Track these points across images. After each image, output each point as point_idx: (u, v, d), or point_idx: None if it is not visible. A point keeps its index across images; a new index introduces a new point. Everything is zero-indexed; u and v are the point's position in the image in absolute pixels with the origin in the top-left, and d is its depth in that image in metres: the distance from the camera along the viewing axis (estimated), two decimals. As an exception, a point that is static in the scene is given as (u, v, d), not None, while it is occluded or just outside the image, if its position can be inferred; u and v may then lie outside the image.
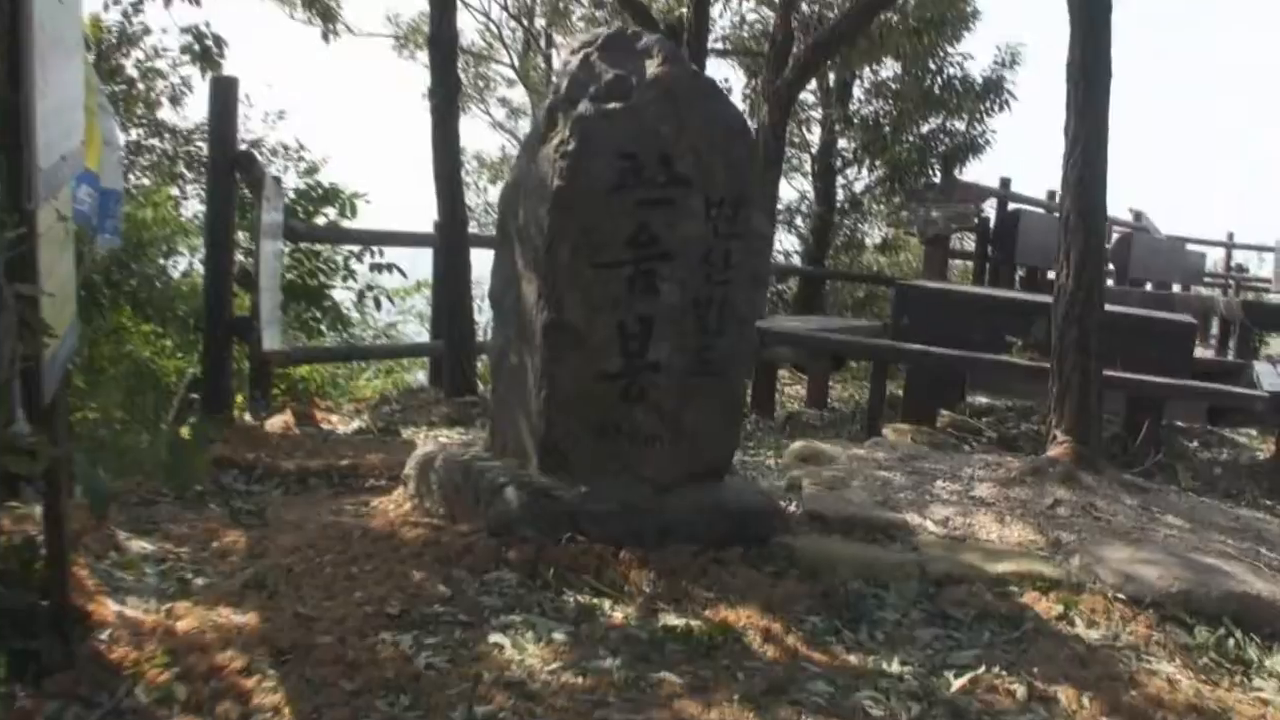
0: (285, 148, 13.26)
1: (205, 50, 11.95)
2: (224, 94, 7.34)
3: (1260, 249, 27.15)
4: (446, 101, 9.61)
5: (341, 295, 11.63)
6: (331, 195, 11.48)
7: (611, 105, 4.98)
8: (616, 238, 4.96)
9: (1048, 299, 9.65)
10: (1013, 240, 16.05)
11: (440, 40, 9.38)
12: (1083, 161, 6.38)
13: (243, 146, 13.51)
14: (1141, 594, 4.85)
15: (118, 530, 5.03)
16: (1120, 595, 4.85)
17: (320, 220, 11.42)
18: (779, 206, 21.11)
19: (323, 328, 11.39)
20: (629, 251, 4.97)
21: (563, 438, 5.05)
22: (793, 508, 5.79)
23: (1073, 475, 6.17)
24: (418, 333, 14.47)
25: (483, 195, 24.93)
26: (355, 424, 8.82)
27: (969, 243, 18.94)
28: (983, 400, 10.67)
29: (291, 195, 11.29)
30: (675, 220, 5.00)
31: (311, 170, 12.25)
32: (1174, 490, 6.97)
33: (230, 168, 7.36)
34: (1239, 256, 28.30)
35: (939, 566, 4.99)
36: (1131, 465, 7.90)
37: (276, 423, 8.49)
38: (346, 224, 11.54)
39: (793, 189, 21.72)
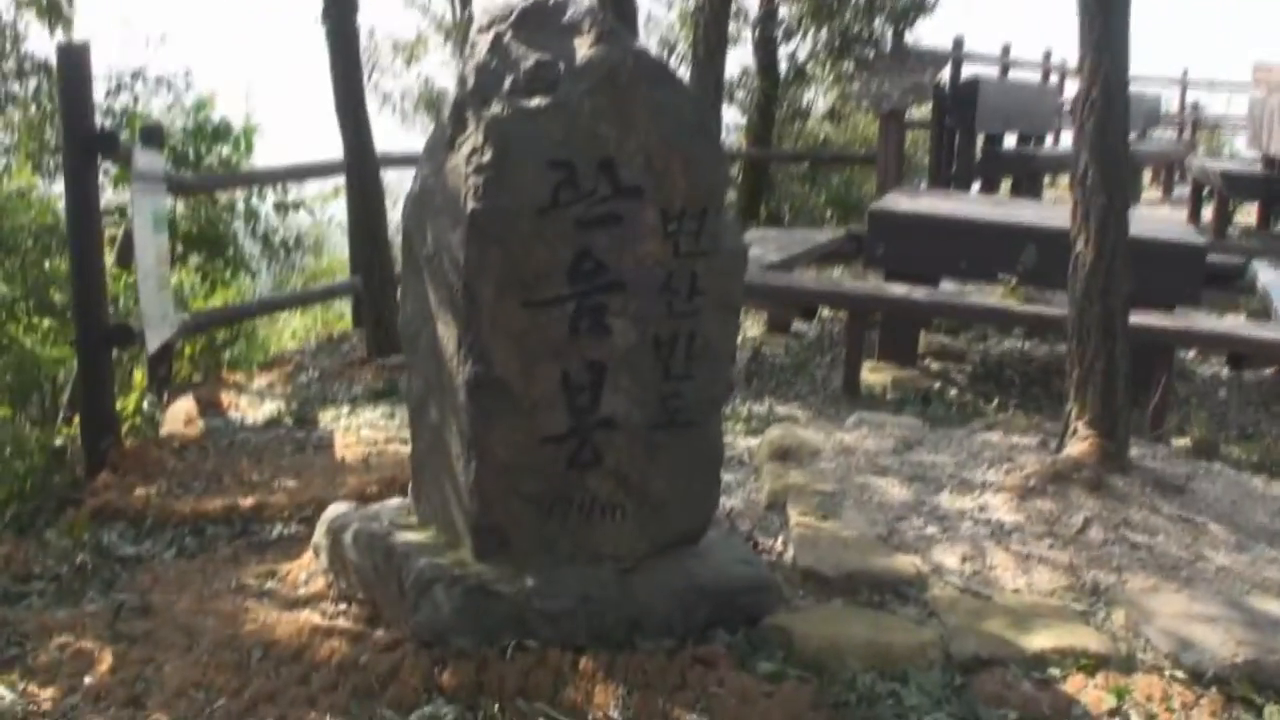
0: (166, 82, 11.95)
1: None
2: (74, 63, 6.16)
3: (1217, 85, 26.02)
4: (343, 20, 8.49)
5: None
6: (223, 131, 10.33)
7: (535, 101, 3.95)
8: (552, 268, 3.96)
9: (1038, 223, 8.75)
10: (971, 108, 15.06)
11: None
12: (1102, 103, 5.36)
13: (122, 78, 12.38)
14: (1202, 666, 4.01)
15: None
16: (1178, 672, 4.00)
17: (213, 161, 10.29)
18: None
19: (226, 276, 10.32)
20: (569, 284, 3.98)
21: (501, 517, 4.10)
22: (779, 547, 4.88)
23: (1100, 481, 5.27)
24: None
25: (399, 79, 23.46)
26: (267, 408, 7.82)
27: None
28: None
29: (178, 136, 10.15)
30: (625, 241, 4.01)
31: (201, 106, 11.03)
32: (1205, 470, 6.04)
33: (89, 151, 6.21)
34: (1194, 96, 27.21)
35: (964, 645, 4.10)
36: (1152, 428, 7.04)
37: (178, 413, 7.52)
38: (244, 164, 10.47)
39: (734, 63, 20.68)
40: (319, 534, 4.74)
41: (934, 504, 5.23)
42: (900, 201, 9.90)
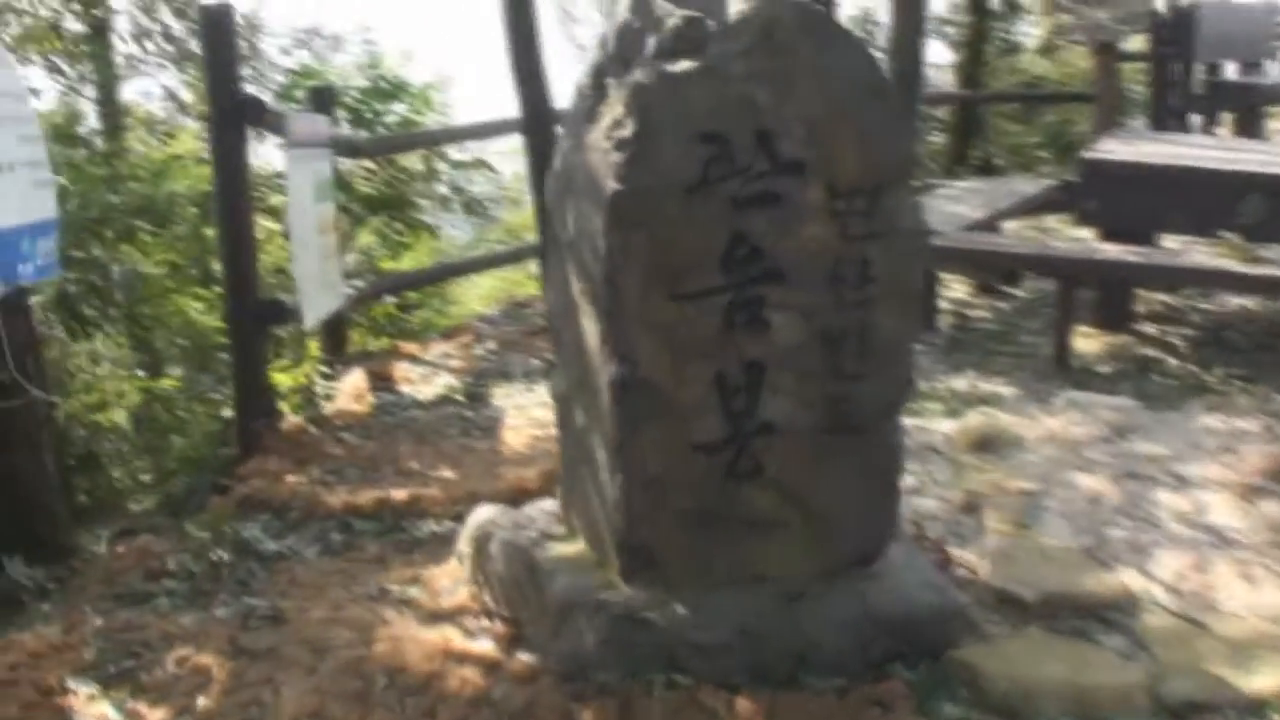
0: (340, 39, 11.70)
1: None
2: (218, 24, 5.84)
3: None
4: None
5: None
6: (399, 89, 10.02)
7: (682, 65, 3.45)
8: (704, 255, 3.48)
9: (1261, 168, 7.94)
10: (1189, 36, 13.98)
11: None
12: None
13: (298, 35, 12.19)
14: None
15: (75, 682, 3.81)
16: None
17: (392, 119, 10.00)
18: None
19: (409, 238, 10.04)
20: (724, 274, 3.49)
21: (650, 535, 3.65)
22: (972, 559, 4.34)
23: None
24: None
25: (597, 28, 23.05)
26: (440, 382, 7.50)
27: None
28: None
29: (355, 94, 9.88)
30: (786, 223, 3.50)
31: (375, 63, 10.74)
32: None
33: (236, 119, 5.90)
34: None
35: (1177, 688, 3.53)
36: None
37: (348, 387, 7.23)
38: (423, 121, 10.16)
39: (941, -3, 19.84)
40: (463, 540, 4.36)
41: (1147, 506, 4.63)
42: (1115, 148, 9.11)
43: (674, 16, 3.51)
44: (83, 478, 6.36)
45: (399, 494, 5.32)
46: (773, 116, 3.46)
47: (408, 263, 9.95)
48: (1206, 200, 7.85)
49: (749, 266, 3.50)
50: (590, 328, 3.65)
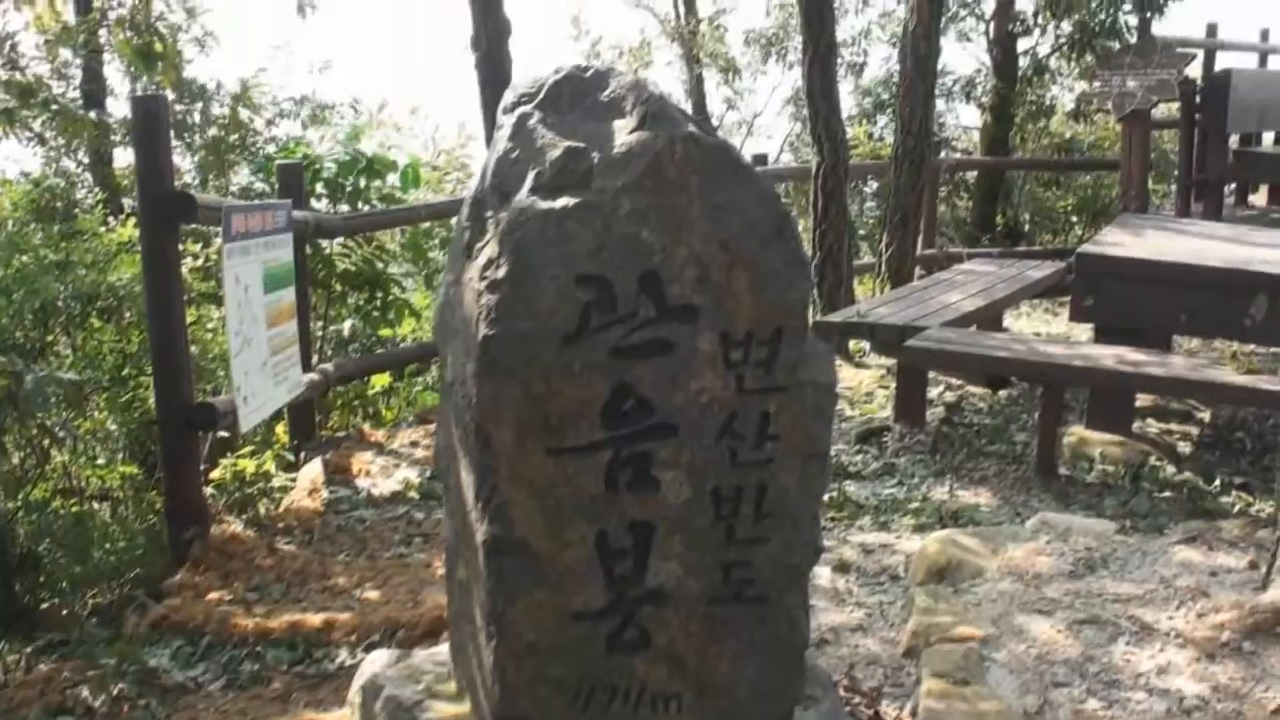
0: (326, 108, 11.48)
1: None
2: (149, 116, 5.58)
3: None
4: (493, 47, 7.87)
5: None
6: (380, 165, 9.78)
7: (563, 201, 3.14)
8: (584, 408, 3.15)
9: (1271, 267, 7.58)
10: (1222, 104, 13.67)
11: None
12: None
13: (292, 100, 11.97)
14: None
15: None
16: None
17: (373, 194, 9.77)
18: (951, 79, 19.15)
19: (390, 319, 9.77)
20: (606, 428, 3.17)
21: (528, 708, 3.33)
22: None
23: (1314, 639, 4.23)
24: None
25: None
26: (399, 476, 7.22)
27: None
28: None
29: (331, 168, 9.65)
30: (676, 374, 3.18)
31: (354, 136, 10.51)
32: None
33: (166, 214, 5.63)
34: None
35: None
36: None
37: (305, 481, 6.97)
38: (407, 196, 9.92)
39: (972, 58, 19.65)
40: (354, 689, 4.04)
41: (1105, 661, 4.26)
42: (1116, 240, 8.77)
43: (556, 147, 3.22)
44: (22, 578, 6.09)
45: (316, 619, 5.03)
46: (661, 258, 3.15)
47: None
48: (1210, 301, 7.52)
49: (635, 420, 3.18)
50: (466, 479, 3.34)
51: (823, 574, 5.25)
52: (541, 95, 3.34)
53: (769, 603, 3.36)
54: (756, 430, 3.24)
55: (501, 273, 3.12)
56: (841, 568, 5.39)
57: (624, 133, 3.23)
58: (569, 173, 3.18)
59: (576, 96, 3.35)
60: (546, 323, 3.11)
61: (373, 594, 5.36)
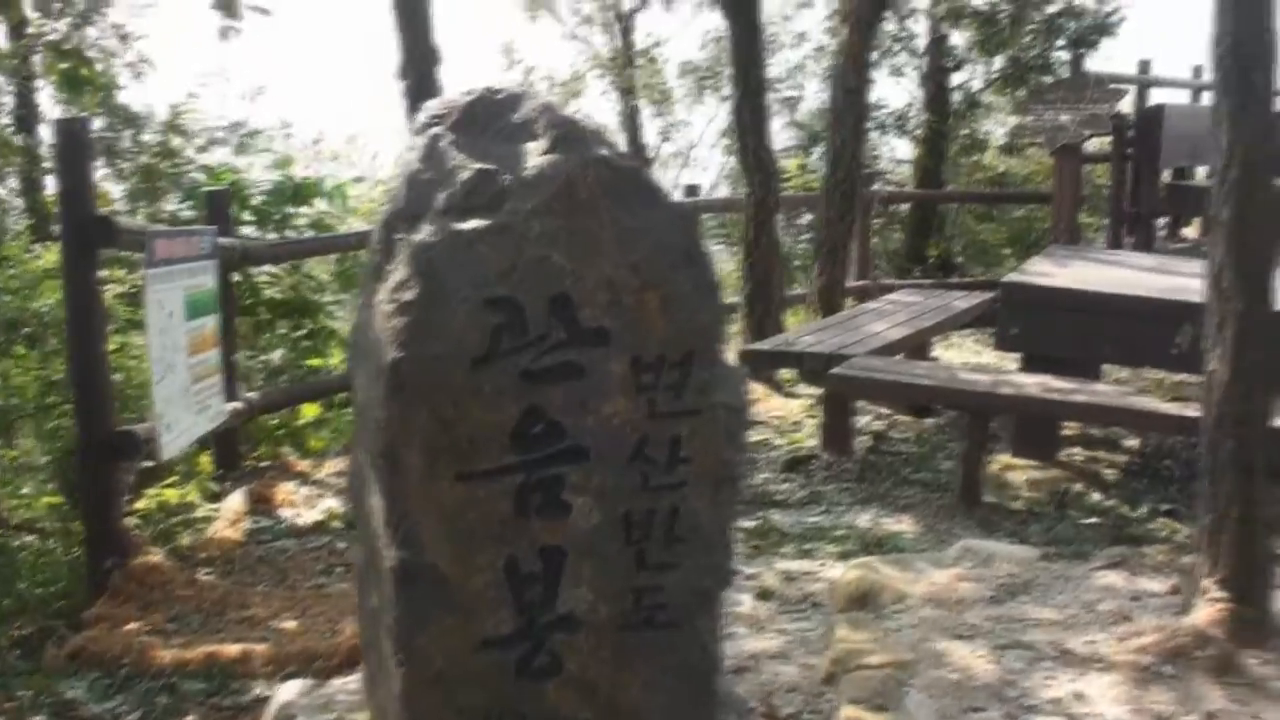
0: (258, 134, 11.42)
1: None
2: (71, 139, 5.53)
3: None
4: (421, 77, 7.84)
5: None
6: (308, 189, 9.72)
7: (473, 223, 3.12)
8: (494, 432, 3.13)
9: (1195, 296, 7.64)
10: (1154, 139, 13.81)
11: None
12: (1242, 187, 4.38)
13: (224, 127, 11.90)
14: None
15: None
16: None
17: (303, 220, 9.70)
18: (884, 113, 19.27)
19: (319, 348, 9.70)
20: (515, 452, 3.14)
21: (437, 737, 3.27)
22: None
23: (1230, 661, 4.25)
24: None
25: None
26: (323, 506, 7.16)
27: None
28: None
29: (262, 196, 9.59)
30: (586, 397, 3.16)
31: (284, 162, 10.45)
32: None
33: (87, 240, 5.57)
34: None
35: None
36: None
37: (228, 511, 6.89)
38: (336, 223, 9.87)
39: (905, 91, 19.76)
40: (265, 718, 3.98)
41: (1024, 687, 4.26)
42: (1042, 271, 8.84)
43: (467, 169, 3.20)
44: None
45: (233, 649, 4.97)
46: (572, 281, 3.14)
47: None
48: (1137, 330, 7.57)
49: (545, 444, 3.16)
50: (376, 504, 3.30)
51: (745, 601, 5.23)
52: (453, 117, 3.33)
53: (681, 628, 3.34)
54: (668, 454, 3.22)
55: (411, 295, 3.10)
56: (764, 595, 5.37)
57: (535, 155, 3.22)
58: (480, 195, 3.16)
59: (488, 119, 3.34)
60: (456, 346, 3.09)
61: (291, 624, 5.31)
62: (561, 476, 3.17)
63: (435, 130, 3.31)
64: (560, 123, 3.26)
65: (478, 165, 3.19)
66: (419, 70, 7.87)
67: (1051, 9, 16.64)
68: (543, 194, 3.15)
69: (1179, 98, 18.28)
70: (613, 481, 3.20)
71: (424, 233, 3.14)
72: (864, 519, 6.62)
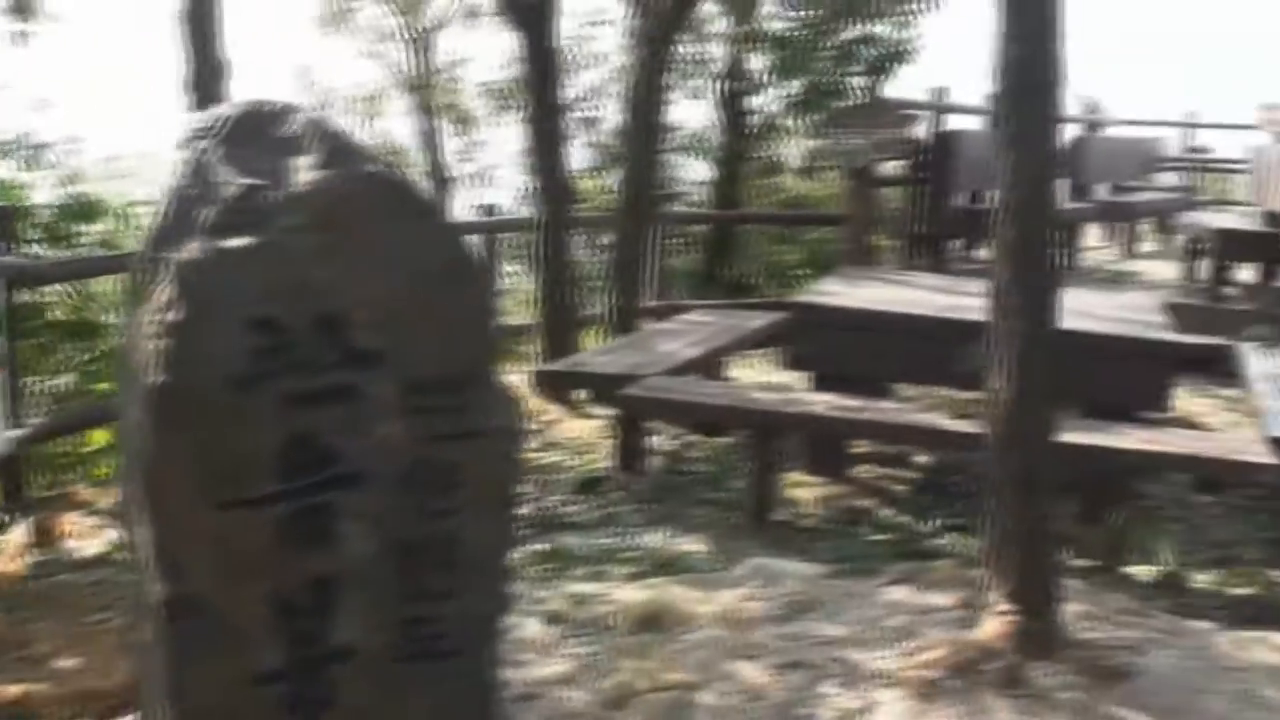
0: (44, 148, 11.04)
1: None
2: None
3: (1221, 126, 24.02)
4: (207, 91, 7.64)
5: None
6: (95, 208, 9.41)
7: (237, 241, 3.00)
8: (260, 459, 3.01)
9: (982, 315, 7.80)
10: (949, 163, 14.11)
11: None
12: (1026, 208, 4.48)
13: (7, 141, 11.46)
14: None
15: None
16: None
17: (91, 239, 9.40)
18: (682, 135, 19.37)
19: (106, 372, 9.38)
20: (282, 479, 3.03)
21: (205, 777, 3.13)
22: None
23: (1017, 674, 4.32)
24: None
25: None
26: (107, 539, 6.89)
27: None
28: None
29: (46, 212, 9.26)
30: (357, 422, 3.07)
31: (72, 179, 10.12)
32: (1163, 633, 5.05)
33: None
34: (1200, 136, 25.19)
35: None
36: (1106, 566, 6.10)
37: (9, 543, 6.61)
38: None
39: (703, 114, 19.88)
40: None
41: (810, 707, 4.27)
42: (833, 290, 8.97)
43: (233, 184, 3.08)
44: None
45: (13, 690, 4.77)
46: (340, 301, 3.05)
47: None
48: (924, 348, 7.69)
49: (314, 471, 3.05)
50: (142, 535, 3.16)
51: (533, 626, 5.16)
52: (220, 130, 3.20)
53: (460, 657, 3.27)
54: (442, 479, 3.15)
55: (173, 316, 2.98)
56: (553, 619, 5.30)
57: (303, 170, 3.11)
58: (246, 211, 3.06)
59: (256, 132, 3.23)
60: (219, 369, 2.98)
61: (72, 662, 5.09)
62: (332, 504, 3.08)
63: (202, 144, 3.19)
64: (329, 136, 3.17)
65: (244, 180, 3.09)
66: (206, 84, 7.67)
67: (848, 35, 16.91)
68: (310, 210, 3.06)
69: (973, 124, 18.72)
70: (386, 508, 3.11)
71: (188, 251, 3.02)
72: (656, 539, 6.59)
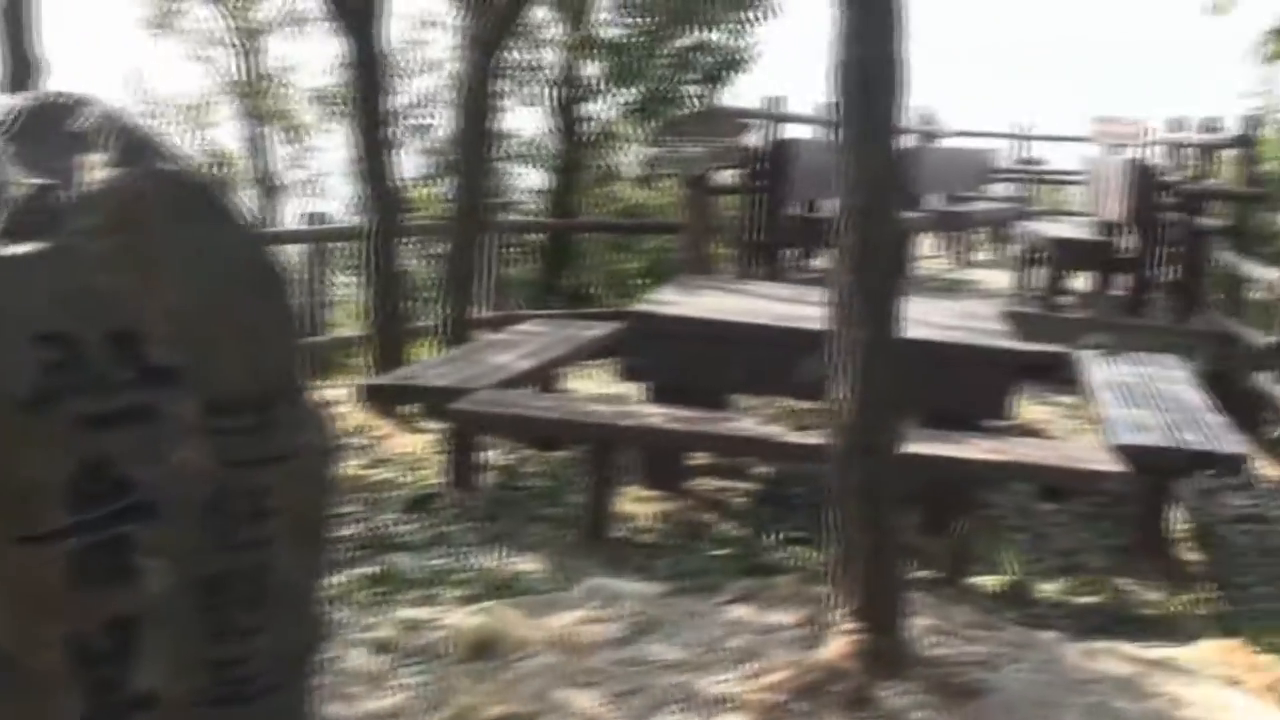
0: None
1: None
2: None
3: (1055, 139, 24.46)
4: (22, 87, 7.25)
5: None
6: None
7: (24, 247, 2.72)
8: (50, 488, 2.72)
9: (820, 325, 7.73)
10: (785, 172, 14.11)
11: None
12: (865, 219, 4.34)
13: None
14: None
15: None
16: None
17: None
18: (517, 142, 19.15)
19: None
20: (74, 511, 2.74)
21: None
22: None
23: (864, 694, 4.20)
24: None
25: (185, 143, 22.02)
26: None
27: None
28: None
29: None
30: (156, 446, 2.79)
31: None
32: (1013, 646, 4.97)
33: None
34: (1034, 148, 25.62)
35: None
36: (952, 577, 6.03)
37: None
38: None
39: (539, 121, 19.67)
40: None
41: (651, 734, 4.08)
42: (670, 300, 8.84)
43: (21, 185, 2.79)
44: None
45: None
46: (135, 312, 2.78)
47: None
48: (763, 358, 7.59)
49: (109, 500, 2.78)
50: (-76, 576, 2.85)
51: (359, 656, 4.90)
52: (12, 126, 2.90)
53: (273, 697, 3.01)
54: (249, 505, 2.90)
55: (-47, 331, 2.68)
56: (382, 648, 5.05)
57: (97, 169, 2.84)
58: (34, 213, 2.77)
59: (49, 128, 2.94)
60: (5, 388, 2.68)
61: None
62: (128, 537, 2.80)
63: (-8, 140, 2.89)
64: (125, 132, 2.90)
65: (33, 180, 2.80)
66: (21, 84, 7.29)
67: (684, 43, 16.86)
68: (102, 213, 2.79)
69: (809, 133, 18.78)
70: (187, 540, 2.85)
71: (-32, 259, 2.73)
72: (490, 560, 6.38)
